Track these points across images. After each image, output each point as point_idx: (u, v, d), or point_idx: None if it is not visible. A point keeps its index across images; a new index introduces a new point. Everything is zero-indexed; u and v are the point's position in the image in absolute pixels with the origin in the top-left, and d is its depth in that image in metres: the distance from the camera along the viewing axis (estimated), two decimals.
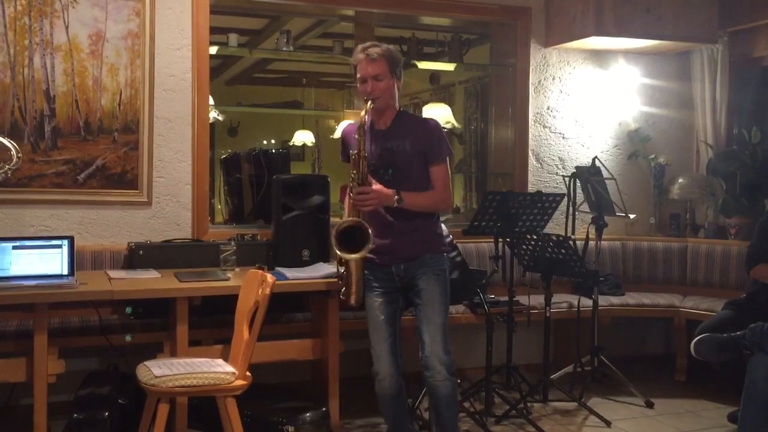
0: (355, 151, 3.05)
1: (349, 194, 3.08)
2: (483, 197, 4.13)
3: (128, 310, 3.67)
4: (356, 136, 3.06)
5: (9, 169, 3.30)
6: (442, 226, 3.30)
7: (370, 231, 3.02)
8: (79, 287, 3.21)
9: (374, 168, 3.10)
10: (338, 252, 3.06)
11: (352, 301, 3.13)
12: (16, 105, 3.87)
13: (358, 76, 3.09)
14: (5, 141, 3.35)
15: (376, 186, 3.05)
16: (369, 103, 3.03)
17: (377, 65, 3.04)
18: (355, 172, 3.05)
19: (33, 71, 3.89)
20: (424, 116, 3.21)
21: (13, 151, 3.30)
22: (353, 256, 3.05)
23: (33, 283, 3.20)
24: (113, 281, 3.41)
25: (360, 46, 3.12)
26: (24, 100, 3.88)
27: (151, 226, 4.11)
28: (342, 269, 3.15)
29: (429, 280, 3.10)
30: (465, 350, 4.76)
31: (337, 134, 6.21)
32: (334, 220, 4.16)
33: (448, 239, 3.85)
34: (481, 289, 4.12)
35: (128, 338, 3.64)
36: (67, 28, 3.93)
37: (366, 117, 3.05)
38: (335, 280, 3.39)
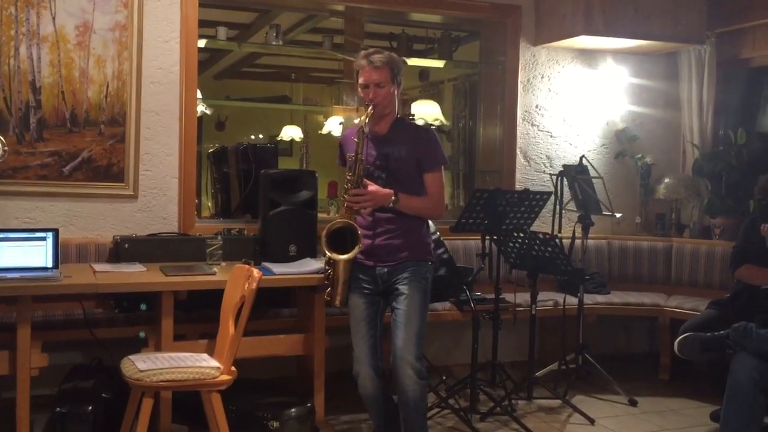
0: (353, 154, 3.07)
1: (344, 196, 3.10)
2: (471, 195, 4.14)
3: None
4: (355, 139, 3.08)
5: None
6: (431, 228, 3.30)
7: (360, 233, 3.05)
8: (63, 280, 3.19)
9: (368, 172, 3.13)
10: (327, 252, 3.08)
11: (337, 302, 3.16)
12: (1, 96, 3.83)
13: (361, 81, 3.12)
14: None
15: (372, 187, 3.08)
16: (369, 108, 3.07)
17: (380, 73, 3.07)
18: (350, 174, 3.07)
19: (19, 62, 3.85)
20: (419, 124, 3.25)
21: None
22: (342, 257, 3.08)
23: (16, 275, 3.17)
24: (98, 274, 3.39)
25: (363, 53, 3.15)
26: (9, 90, 3.84)
27: (137, 219, 4.09)
28: (329, 269, 3.17)
29: (409, 286, 3.11)
30: (451, 347, 4.78)
31: (326, 130, 6.20)
32: (321, 215, 4.16)
33: (435, 236, 3.86)
34: (468, 286, 4.12)
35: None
36: (53, 18, 3.89)
37: (366, 121, 3.07)
38: (322, 276, 3.39)
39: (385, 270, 3.15)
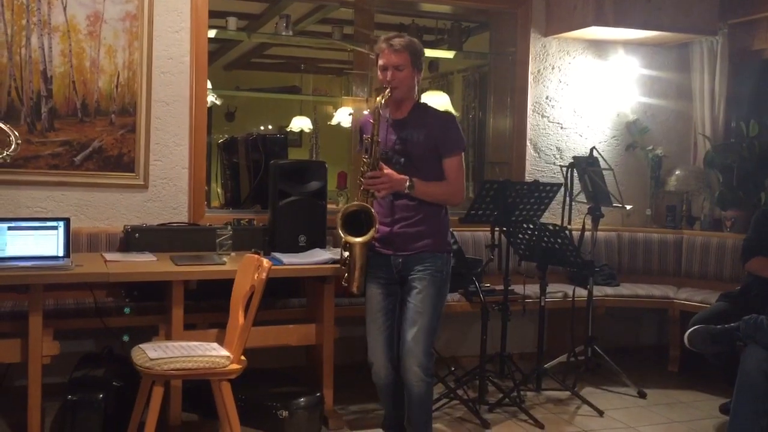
0: (368, 136, 3.06)
1: (360, 179, 3.08)
2: (480, 186, 4.13)
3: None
4: (371, 120, 3.07)
5: (8, 155, 3.30)
6: (448, 221, 3.25)
7: (375, 215, 3.03)
8: (74, 269, 3.20)
9: (386, 156, 3.10)
10: (343, 235, 3.06)
11: (354, 288, 3.12)
12: (12, 85, 3.84)
13: (380, 63, 3.10)
14: (4, 127, 3.34)
15: (388, 170, 3.05)
16: (387, 91, 3.04)
17: (400, 56, 3.05)
18: (367, 157, 3.05)
19: (30, 51, 3.86)
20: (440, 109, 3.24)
21: (12, 138, 3.30)
22: (358, 239, 3.05)
23: (28, 264, 3.19)
24: (109, 264, 3.41)
25: (383, 37, 3.13)
26: (21, 80, 3.86)
27: (148, 209, 4.10)
28: (346, 255, 3.13)
29: (424, 280, 3.08)
30: (459, 338, 4.78)
31: (335, 120, 6.20)
32: (330, 206, 4.16)
33: None
34: (477, 277, 4.13)
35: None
36: (64, 8, 3.90)
37: (382, 102, 3.05)
38: (334, 265, 3.39)
39: (400, 260, 3.11)
